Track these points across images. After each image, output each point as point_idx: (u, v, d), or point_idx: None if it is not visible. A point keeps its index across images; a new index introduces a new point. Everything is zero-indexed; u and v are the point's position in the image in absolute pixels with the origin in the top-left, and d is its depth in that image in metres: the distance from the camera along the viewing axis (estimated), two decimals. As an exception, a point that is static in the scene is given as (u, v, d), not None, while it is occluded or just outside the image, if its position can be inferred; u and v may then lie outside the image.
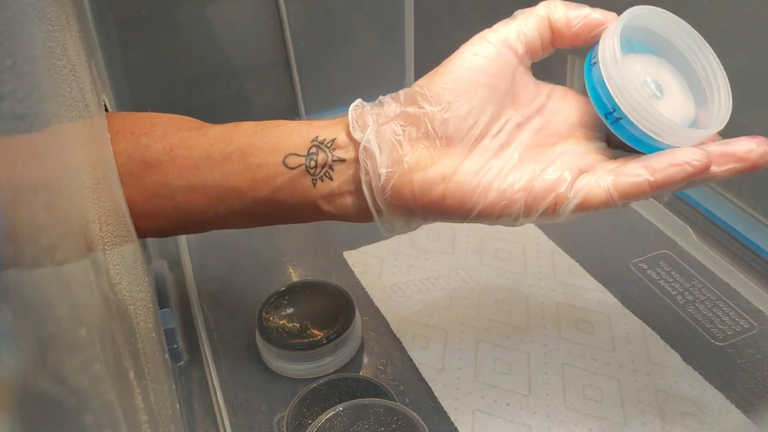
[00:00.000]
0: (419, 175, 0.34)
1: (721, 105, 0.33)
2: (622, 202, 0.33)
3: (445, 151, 0.34)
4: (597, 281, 0.54)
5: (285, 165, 0.37)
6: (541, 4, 0.35)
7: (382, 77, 0.72)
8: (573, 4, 0.35)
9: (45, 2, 0.25)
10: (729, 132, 0.34)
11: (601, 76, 0.33)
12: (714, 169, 0.32)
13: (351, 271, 0.56)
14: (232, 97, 0.68)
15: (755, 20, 0.52)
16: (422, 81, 0.35)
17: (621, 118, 0.33)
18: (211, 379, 0.47)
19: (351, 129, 0.36)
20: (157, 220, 0.39)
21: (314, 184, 0.37)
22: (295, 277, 0.57)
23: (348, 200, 0.37)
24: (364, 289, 0.54)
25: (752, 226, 0.56)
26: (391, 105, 0.36)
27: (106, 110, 0.49)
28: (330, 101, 0.71)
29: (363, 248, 0.58)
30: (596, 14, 0.34)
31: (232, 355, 0.49)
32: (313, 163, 0.37)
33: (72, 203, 0.22)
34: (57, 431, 0.16)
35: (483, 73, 0.34)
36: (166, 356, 0.44)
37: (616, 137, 0.35)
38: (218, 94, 0.67)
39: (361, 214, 0.37)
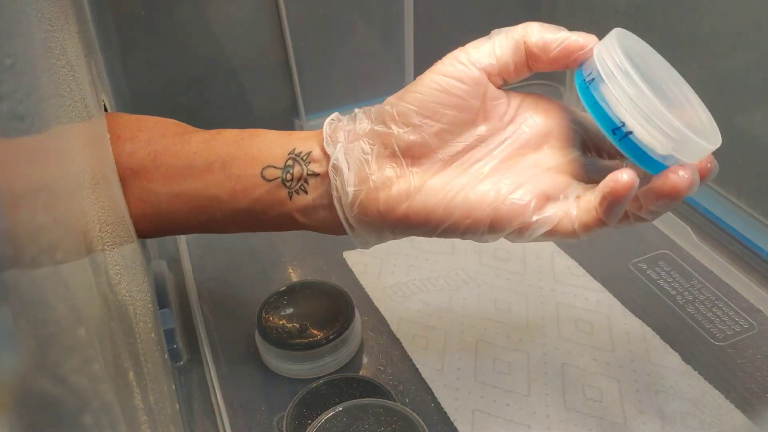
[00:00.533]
0: (384, 194, 0.35)
1: (705, 125, 0.32)
2: (585, 234, 0.33)
3: (412, 171, 0.34)
4: (596, 281, 0.54)
5: (263, 177, 0.37)
6: (519, 26, 0.34)
7: (382, 77, 0.72)
8: (552, 27, 0.33)
9: (44, 2, 0.25)
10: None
11: (606, 90, 0.31)
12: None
13: (351, 271, 0.56)
14: (232, 97, 0.68)
15: (755, 20, 0.52)
16: (393, 98, 0.35)
17: (630, 133, 0.31)
18: (211, 379, 0.47)
19: (325, 144, 0.36)
20: (138, 224, 0.40)
21: (290, 197, 0.37)
22: (294, 277, 0.57)
23: (322, 214, 0.37)
24: (363, 289, 0.54)
25: (752, 226, 0.56)
26: (362, 122, 0.36)
27: (106, 110, 0.49)
28: (330, 101, 0.71)
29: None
30: (576, 37, 0.32)
31: (232, 355, 0.49)
32: (289, 176, 0.37)
33: (71, 203, 0.22)
34: (56, 431, 0.16)
35: (450, 94, 0.33)
36: (166, 356, 0.44)
37: (595, 144, 0.34)
38: (218, 94, 0.67)
39: (336, 227, 0.37)
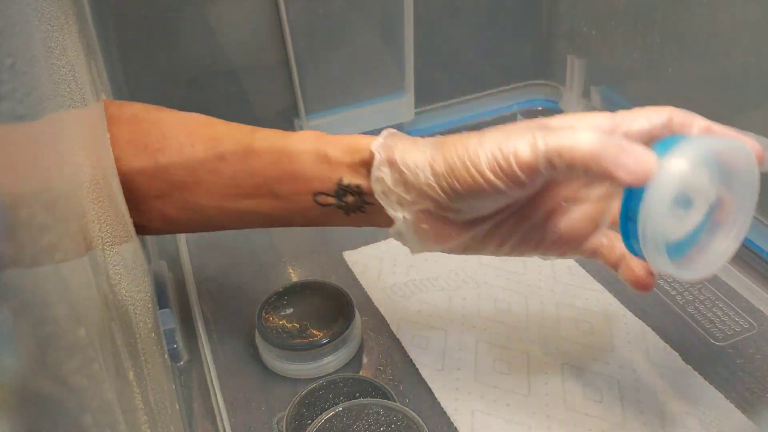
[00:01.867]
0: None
1: (711, 257, 0.33)
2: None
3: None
4: (597, 281, 0.54)
5: (317, 202, 0.38)
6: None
7: (382, 77, 0.72)
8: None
9: (44, 2, 0.25)
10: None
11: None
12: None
13: (351, 271, 0.56)
14: (232, 97, 0.68)
15: (755, 20, 0.52)
16: (443, 165, 0.35)
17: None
18: (211, 379, 0.47)
19: (377, 197, 0.36)
20: (182, 228, 0.44)
21: (347, 214, 0.39)
22: (294, 277, 0.57)
23: (378, 219, 0.38)
24: (363, 289, 0.54)
25: (752, 226, 0.55)
26: (410, 191, 0.36)
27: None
28: (330, 101, 0.71)
29: (363, 248, 0.58)
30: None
31: (232, 355, 0.49)
32: (344, 204, 0.38)
33: (71, 203, 0.22)
34: (56, 431, 0.16)
35: (508, 197, 0.35)
36: (166, 356, 0.44)
37: None
38: (218, 94, 0.67)
39: (390, 224, 0.38)
